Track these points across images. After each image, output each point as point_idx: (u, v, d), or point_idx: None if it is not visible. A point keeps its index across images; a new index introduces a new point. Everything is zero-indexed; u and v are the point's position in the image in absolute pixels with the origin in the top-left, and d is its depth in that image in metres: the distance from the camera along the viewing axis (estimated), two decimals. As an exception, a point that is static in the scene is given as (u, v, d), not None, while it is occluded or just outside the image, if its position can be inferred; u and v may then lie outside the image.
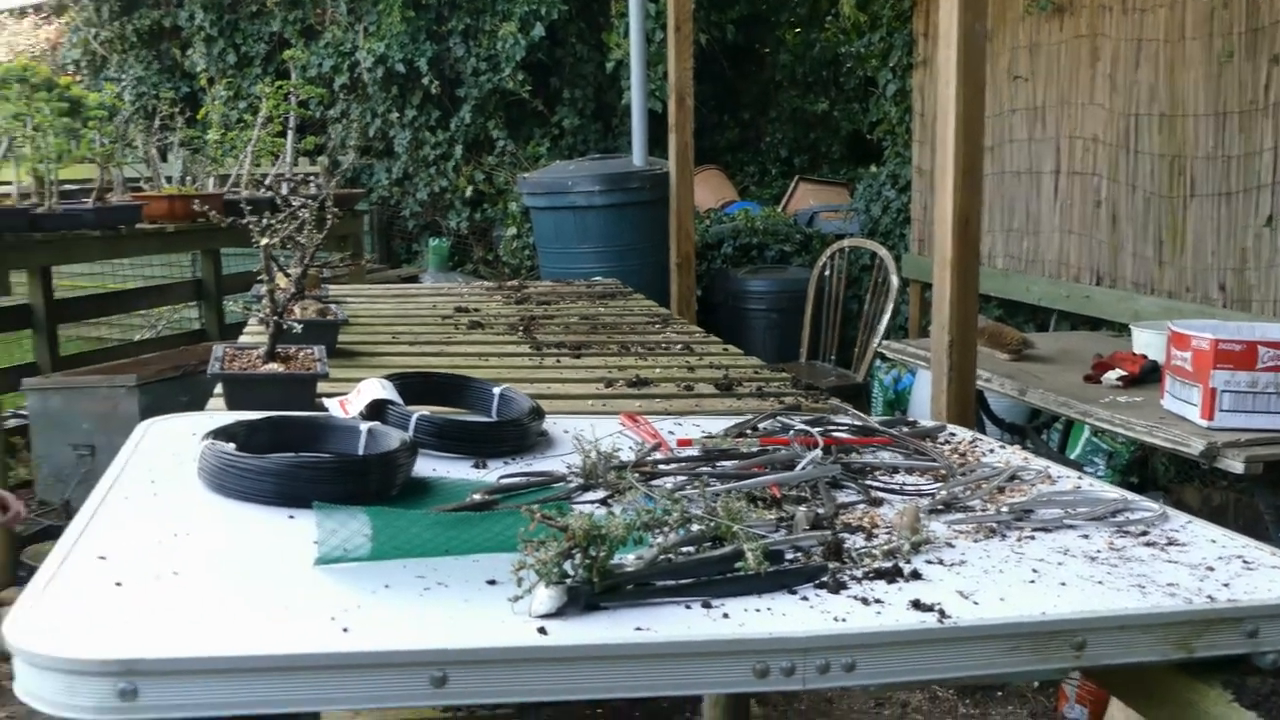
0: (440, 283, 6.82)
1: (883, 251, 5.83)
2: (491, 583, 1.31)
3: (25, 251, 4.80)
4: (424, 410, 1.93)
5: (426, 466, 1.79)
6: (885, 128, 7.29)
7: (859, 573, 1.38)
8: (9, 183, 4.89)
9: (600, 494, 1.67)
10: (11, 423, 5.60)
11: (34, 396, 5.03)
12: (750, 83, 9.20)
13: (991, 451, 2.04)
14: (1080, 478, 1.88)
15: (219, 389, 2.36)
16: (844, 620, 1.24)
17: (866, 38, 7.18)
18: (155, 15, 9.48)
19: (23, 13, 11.44)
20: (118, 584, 1.26)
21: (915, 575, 1.38)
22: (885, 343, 5.21)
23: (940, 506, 1.67)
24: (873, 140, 7.82)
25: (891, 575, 1.37)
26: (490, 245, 8.58)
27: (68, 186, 5.32)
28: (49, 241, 4.79)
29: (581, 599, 1.22)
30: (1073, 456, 4.81)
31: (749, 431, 2.03)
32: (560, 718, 3.50)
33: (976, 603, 1.30)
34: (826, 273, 6.10)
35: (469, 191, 8.55)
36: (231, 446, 1.63)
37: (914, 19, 6.68)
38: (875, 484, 1.78)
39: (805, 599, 1.30)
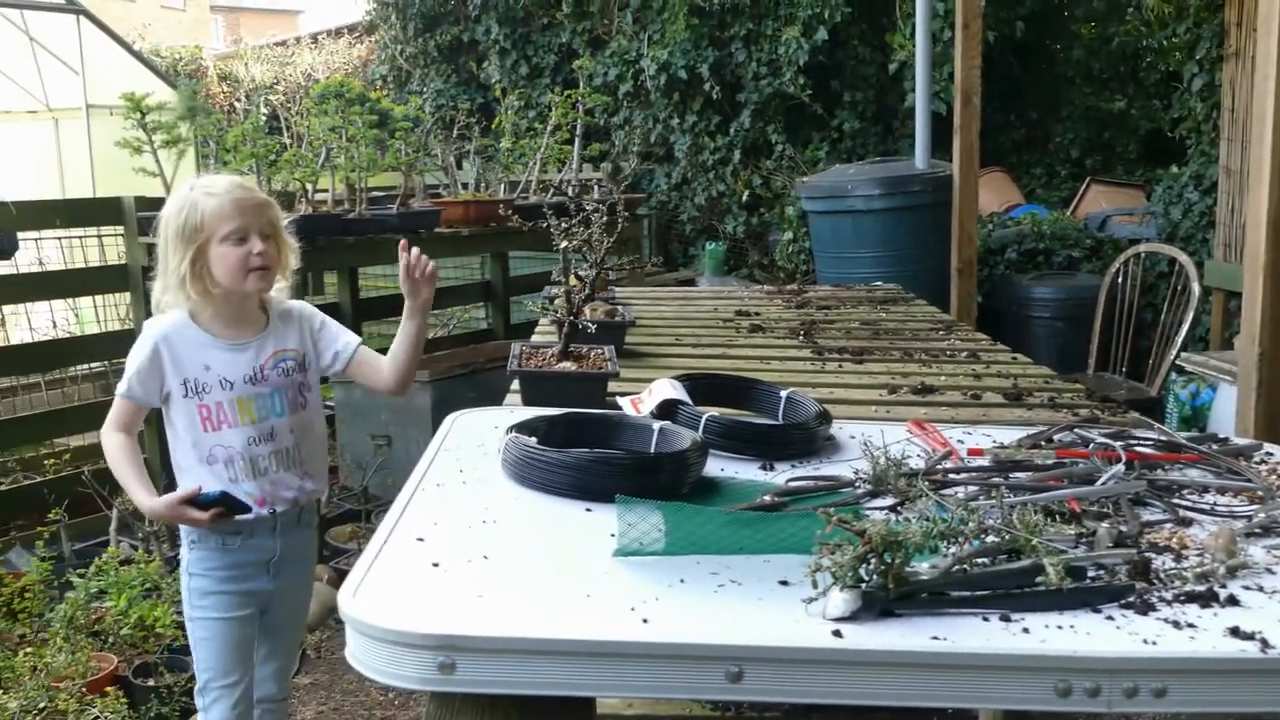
0: (716, 286, 6.90)
1: (1183, 257, 5.49)
2: (784, 583, 1.33)
3: (338, 253, 5.18)
4: (713, 411, 1.97)
5: (714, 466, 1.82)
6: (1189, 125, 6.84)
7: (1169, 595, 1.32)
8: (325, 190, 5.27)
9: (889, 500, 1.66)
10: (321, 412, 6.04)
11: (339, 389, 5.40)
12: (1039, 80, 8.83)
13: (1316, 473, 1.90)
14: None
15: (515, 384, 2.47)
16: (1154, 643, 1.19)
17: (1170, 29, 6.76)
18: (455, 31, 10.05)
19: (339, 33, 12.37)
20: (435, 564, 1.36)
21: (1232, 601, 1.30)
22: (1184, 354, 4.91)
23: (1258, 530, 1.56)
24: (1174, 139, 7.36)
25: (1205, 599, 1.30)
26: (766, 249, 8.61)
27: (375, 193, 5.70)
28: (358, 244, 5.14)
29: (876, 604, 1.22)
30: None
31: (1043, 443, 1.97)
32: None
33: (1304, 634, 1.21)
34: (1119, 279, 5.79)
35: (745, 196, 8.61)
36: (533, 440, 1.71)
37: (1225, 8, 6.23)
38: (1183, 503, 1.69)
39: (1110, 618, 1.25)
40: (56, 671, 3.35)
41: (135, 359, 2.37)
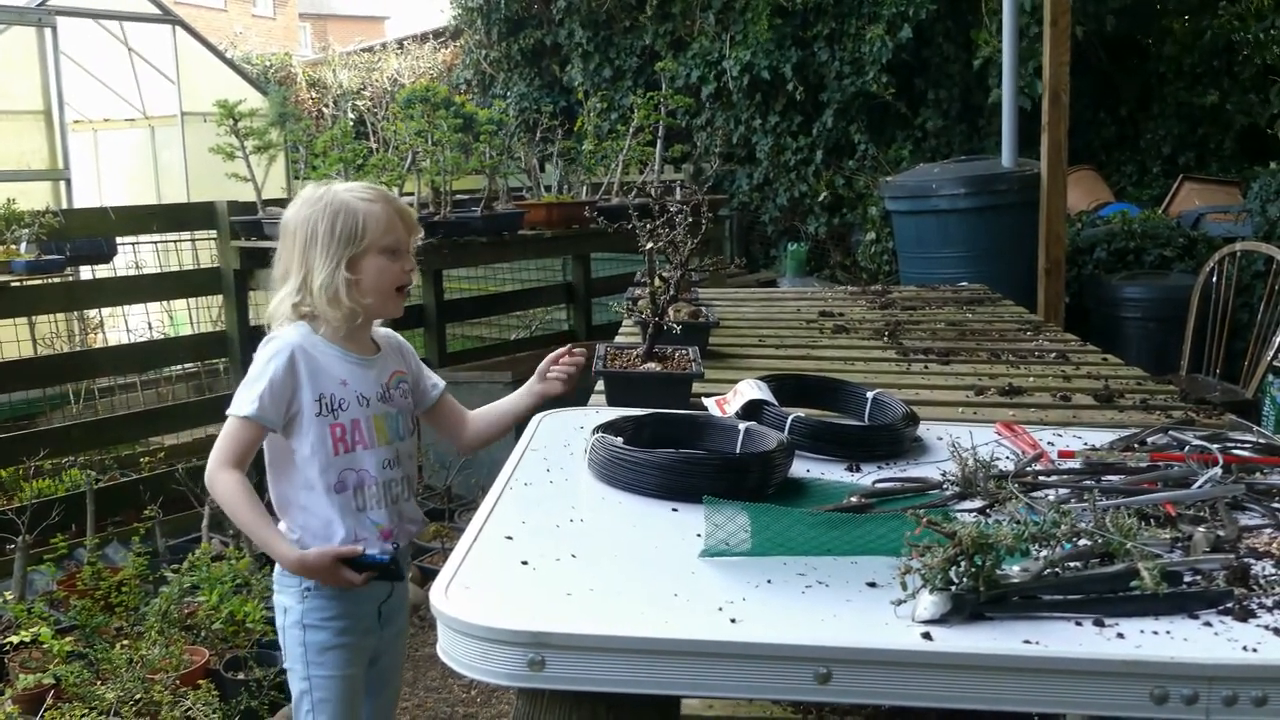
0: (798, 287, 6.87)
1: (1281, 256, 5.34)
2: (872, 585, 1.32)
3: (423, 256, 5.24)
4: (799, 412, 1.96)
5: (800, 467, 1.81)
6: (1288, 120, 6.66)
7: (1269, 601, 1.29)
8: (411, 194, 5.34)
9: (978, 503, 1.64)
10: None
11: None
12: (1130, 76, 8.64)
13: None
14: None
15: (599, 385, 2.48)
16: (1255, 650, 1.16)
17: (1269, 21, 6.57)
18: (538, 35, 10.13)
19: (424, 38, 12.55)
20: (524, 562, 1.37)
21: (1336, 608, 1.27)
22: (1283, 355, 4.77)
23: (1364, 535, 1.52)
24: (1272, 134, 7.16)
25: (1309, 606, 1.27)
26: (848, 250, 8.55)
27: (459, 196, 5.76)
28: (443, 247, 5.20)
29: (966, 607, 1.21)
30: None
31: (1137, 445, 1.93)
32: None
33: None
34: (1214, 279, 5.65)
35: (827, 196, 8.55)
36: (620, 441, 1.72)
37: (1325, 0, 6.07)
38: (1284, 507, 1.65)
39: (1208, 624, 1.22)
40: (151, 664, 3.44)
41: (266, 374, 2.11)
